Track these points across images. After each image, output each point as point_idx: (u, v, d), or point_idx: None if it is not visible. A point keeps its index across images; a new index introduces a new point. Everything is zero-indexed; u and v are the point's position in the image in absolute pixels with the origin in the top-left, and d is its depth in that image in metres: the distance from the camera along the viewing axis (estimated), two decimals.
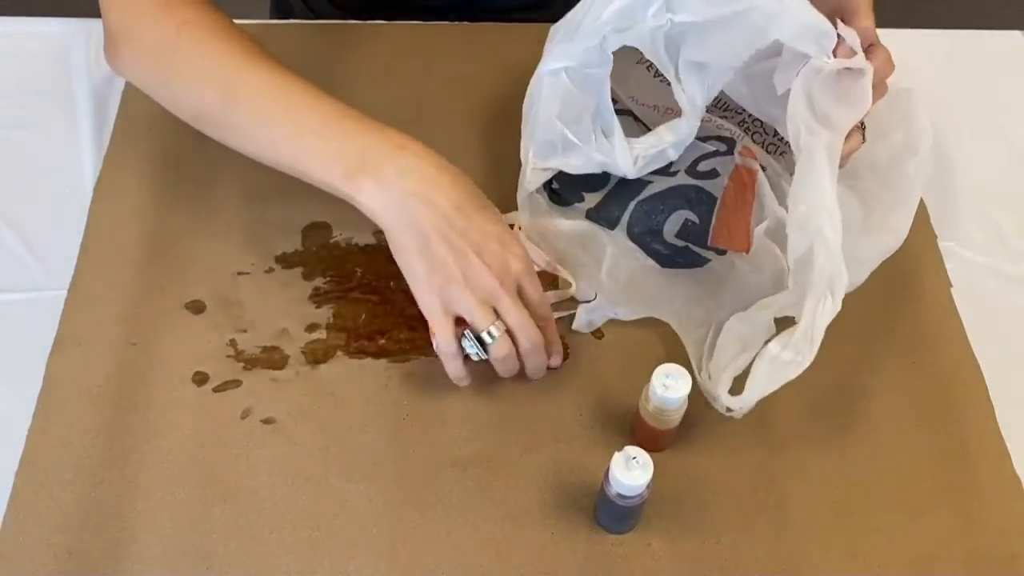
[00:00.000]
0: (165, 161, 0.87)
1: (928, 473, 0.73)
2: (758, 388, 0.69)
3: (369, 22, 0.99)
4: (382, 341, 0.77)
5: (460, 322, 0.70)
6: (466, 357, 0.71)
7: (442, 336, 0.70)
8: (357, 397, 0.75)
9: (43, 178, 0.86)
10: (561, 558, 0.68)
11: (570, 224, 0.81)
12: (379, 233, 0.83)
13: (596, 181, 0.81)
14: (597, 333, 0.79)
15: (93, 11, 0.99)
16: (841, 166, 0.71)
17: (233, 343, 0.77)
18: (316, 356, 0.76)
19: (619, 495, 0.65)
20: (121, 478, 0.70)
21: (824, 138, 0.70)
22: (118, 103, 0.90)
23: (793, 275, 0.70)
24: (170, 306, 0.78)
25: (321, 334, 0.78)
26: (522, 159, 0.77)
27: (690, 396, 0.68)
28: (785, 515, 0.71)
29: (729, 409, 0.70)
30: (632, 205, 0.81)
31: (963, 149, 0.93)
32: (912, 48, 0.99)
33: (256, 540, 0.68)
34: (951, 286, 0.83)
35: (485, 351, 0.70)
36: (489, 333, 0.69)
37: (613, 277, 0.79)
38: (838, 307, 0.68)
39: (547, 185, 0.82)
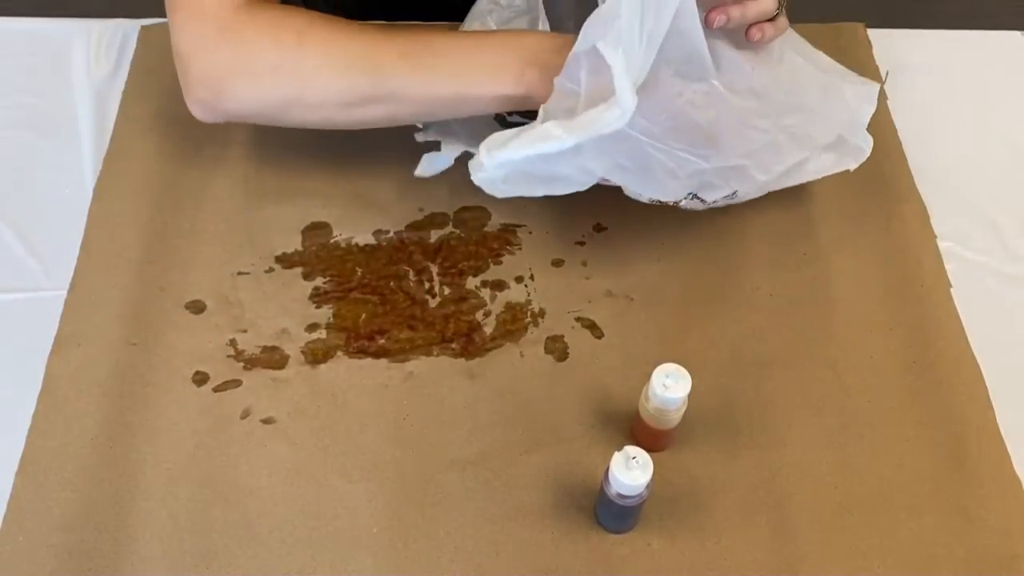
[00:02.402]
0: (165, 161, 0.87)
1: (928, 473, 0.73)
2: (515, 147, 0.67)
3: (369, 22, 0.99)
4: (382, 341, 0.78)
5: None
6: None
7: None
8: (357, 397, 0.75)
9: (43, 178, 0.86)
10: (561, 558, 0.68)
11: None
12: (379, 233, 0.83)
13: None
14: (597, 333, 0.79)
15: (93, 11, 0.99)
16: (761, 39, 0.73)
17: (233, 343, 0.77)
18: (316, 356, 0.77)
19: (619, 495, 0.65)
20: (121, 478, 0.70)
21: None
22: (118, 103, 0.90)
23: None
24: (170, 306, 0.78)
25: (321, 334, 0.78)
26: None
27: (690, 396, 0.68)
28: (785, 515, 0.71)
29: (480, 174, 0.69)
30: None
31: (963, 149, 0.93)
32: (912, 48, 1.00)
33: (256, 540, 0.68)
34: (951, 286, 0.83)
35: None
36: None
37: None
38: (622, 122, 0.66)
39: None
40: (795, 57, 0.79)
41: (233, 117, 0.78)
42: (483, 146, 0.69)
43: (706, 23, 0.72)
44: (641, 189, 0.74)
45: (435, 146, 0.82)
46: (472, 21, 0.84)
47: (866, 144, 0.81)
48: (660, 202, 0.76)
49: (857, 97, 0.81)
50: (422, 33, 0.76)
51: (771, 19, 0.75)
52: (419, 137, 0.75)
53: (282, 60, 0.74)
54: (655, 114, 0.71)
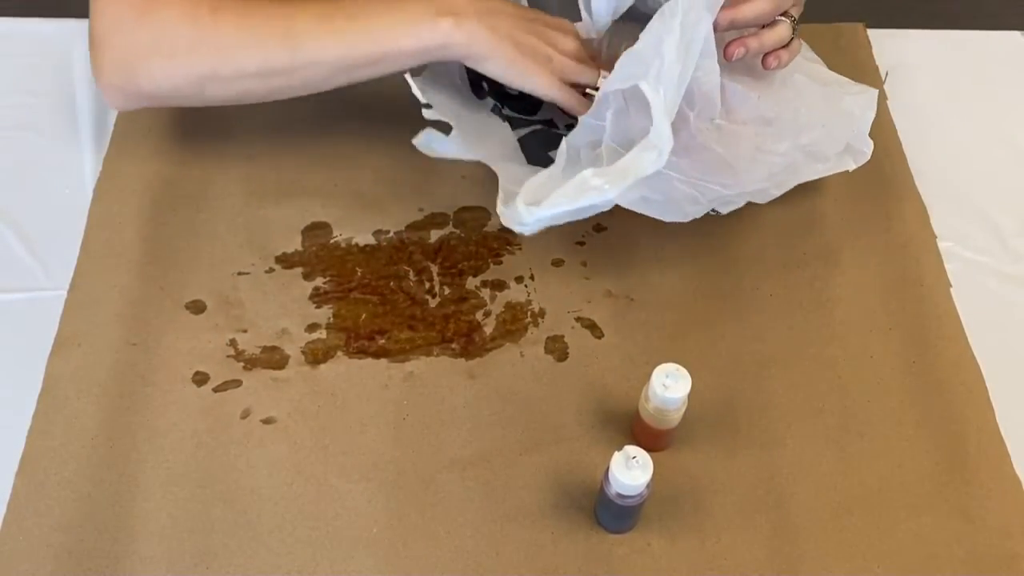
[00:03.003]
0: (165, 161, 0.87)
1: (928, 473, 0.73)
2: (557, 201, 0.68)
3: None
4: (382, 341, 0.78)
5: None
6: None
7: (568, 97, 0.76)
8: (357, 397, 0.75)
9: (43, 178, 0.86)
10: (561, 558, 0.68)
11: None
12: (379, 233, 0.83)
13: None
14: (597, 333, 0.79)
15: None
16: (778, 66, 0.75)
17: (233, 343, 0.77)
18: (316, 356, 0.77)
19: (619, 495, 0.65)
20: (121, 478, 0.70)
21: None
22: None
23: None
24: (170, 306, 0.78)
25: (321, 334, 0.78)
26: None
27: (690, 396, 0.68)
28: (785, 515, 0.71)
29: (523, 225, 0.70)
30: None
31: (963, 149, 0.93)
32: (912, 48, 1.00)
33: (256, 540, 0.68)
34: (951, 286, 0.83)
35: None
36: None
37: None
38: (659, 165, 0.67)
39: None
40: (797, 76, 0.80)
41: (147, 99, 0.78)
42: (521, 199, 0.70)
43: (724, 56, 0.74)
44: (663, 215, 0.75)
45: (443, 127, 0.80)
46: None
47: (867, 148, 0.82)
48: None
49: (860, 107, 0.82)
50: (337, 0, 0.76)
51: (785, 45, 0.76)
52: (428, 115, 0.75)
53: (198, 36, 0.74)
54: (680, 150, 0.72)
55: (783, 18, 0.76)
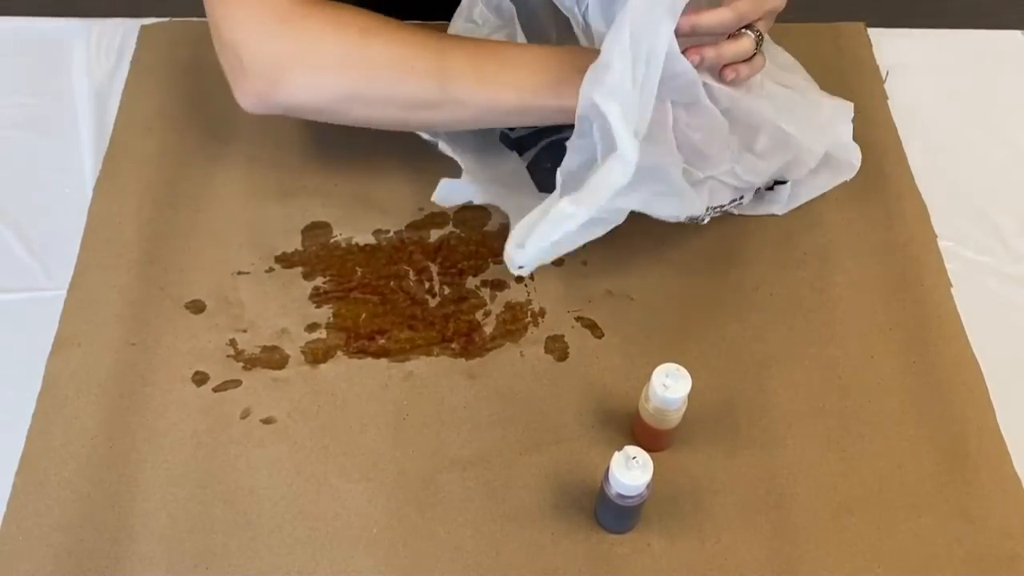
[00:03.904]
0: (165, 161, 0.87)
1: (928, 473, 0.73)
2: (536, 238, 0.68)
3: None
4: (382, 341, 0.78)
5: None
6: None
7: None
8: (357, 397, 0.75)
9: (43, 178, 0.86)
10: (561, 558, 0.68)
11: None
12: (379, 232, 0.83)
13: None
14: (597, 333, 0.79)
15: (93, 11, 0.99)
16: (735, 80, 0.74)
17: (233, 343, 0.77)
18: (316, 356, 0.77)
19: (619, 495, 0.65)
20: (121, 478, 0.70)
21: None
22: (118, 103, 0.90)
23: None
24: (170, 306, 0.78)
25: (321, 334, 0.78)
26: None
27: (690, 396, 0.68)
28: (785, 515, 0.71)
29: (520, 267, 0.70)
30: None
31: (963, 149, 0.93)
32: (912, 48, 1.00)
33: (256, 540, 0.68)
34: (951, 286, 0.83)
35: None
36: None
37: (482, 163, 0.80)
38: (628, 177, 0.66)
39: None
40: (774, 86, 0.80)
41: (287, 110, 0.76)
42: (509, 244, 0.70)
43: None
44: (679, 211, 0.76)
45: (453, 165, 0.81)
46: None
47: (856, 160, 0.83)
48: (691, 218, 0.78)
49: (833, 116, 0.82)
50: (486, 42, 0.77)
51: (747, 59, 0.75)
52: (442, 148, 0.76)
53: (348, 54, 0.73)
54: (671, 139, 0.73)
55: (747, 31, 0.74)
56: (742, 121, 0.77)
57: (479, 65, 0.74)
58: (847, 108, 0.83)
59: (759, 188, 0.82)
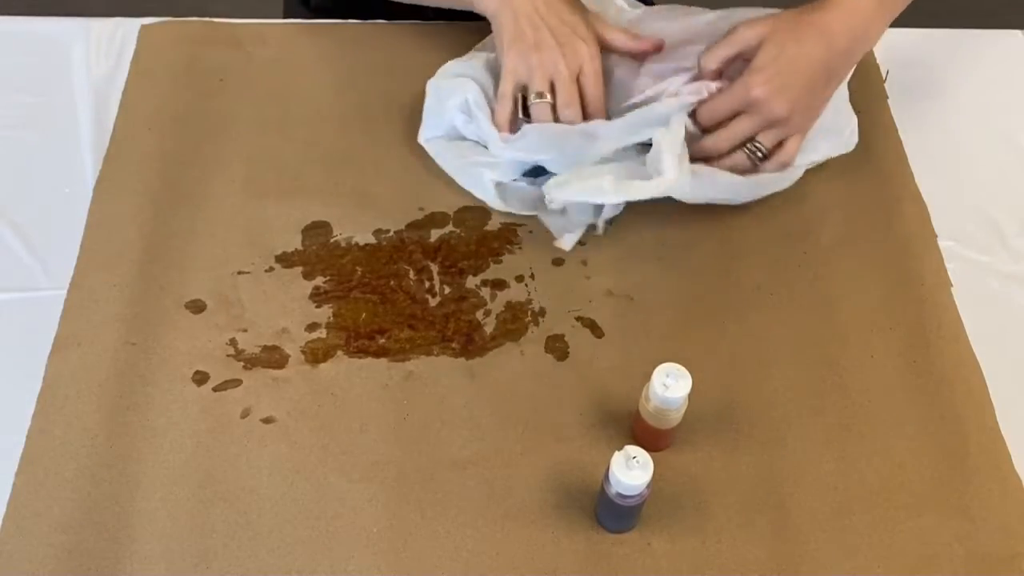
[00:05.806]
0: (165, 161, 0.87)
1: (928, 473, 0.73)
2: (575, 192, 0.79)
3: (369, 21, 0.99)
4: (382, 341, 0.78)
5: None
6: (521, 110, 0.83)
7: (505, 86, 0.83)
8: (357, 397, 0.75)
9: (43, 178, 0.86)
10: (561, 558, 0.68)
11: None
12: (379, 232, 0.83)
13: None
14: (597, 332, 0.79)
15: (93, 11, 0.99)
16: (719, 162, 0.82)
17: (233, 342, 0.77)
18: (316, 356, 0.77)
19: (619, 495, 0.65)
20: (121, 478, 0.70)
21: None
22: (118, 103, 0.90)
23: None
24: (170, 306, 0.78)
25: (321, 334, 0.78)
26: None
27: (690, 396, 0.68)
28: (785, 515, 0.71)
29: (550, 200, 0.80)
30: None
31: (963, 149, 0.93)
32: (912, 48, 1.00)
33: (256, 540, 0.68)
34: (951, 286, 0.83)
35: (527, 113, 0.82)
36: (537, 94, 0.81)
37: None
38: (661, 193, 0.78)
39: None
40: None
41: None
42: (553, 180, 0.81)
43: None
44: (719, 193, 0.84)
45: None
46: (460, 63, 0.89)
47: (853, 128, 0.87)
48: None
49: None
50: None
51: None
52: (551, 206, 0.82)
53: None
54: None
55: (745, 149, 0.81)
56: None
57: None
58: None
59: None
